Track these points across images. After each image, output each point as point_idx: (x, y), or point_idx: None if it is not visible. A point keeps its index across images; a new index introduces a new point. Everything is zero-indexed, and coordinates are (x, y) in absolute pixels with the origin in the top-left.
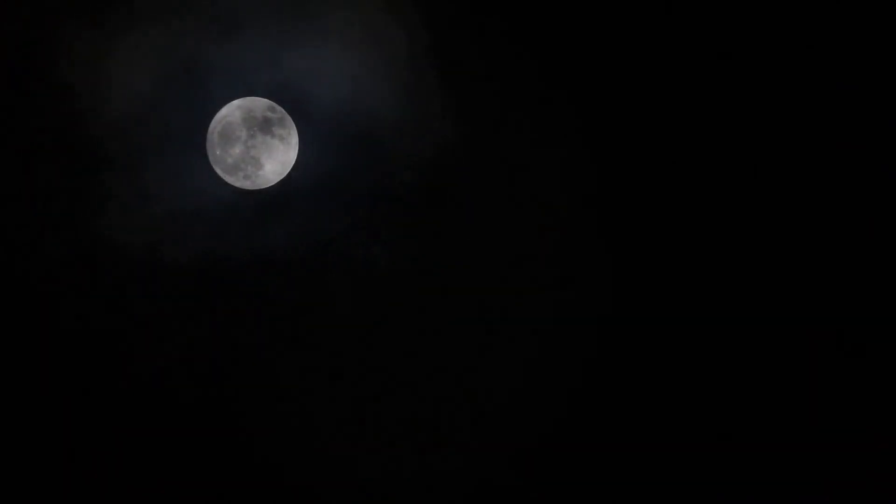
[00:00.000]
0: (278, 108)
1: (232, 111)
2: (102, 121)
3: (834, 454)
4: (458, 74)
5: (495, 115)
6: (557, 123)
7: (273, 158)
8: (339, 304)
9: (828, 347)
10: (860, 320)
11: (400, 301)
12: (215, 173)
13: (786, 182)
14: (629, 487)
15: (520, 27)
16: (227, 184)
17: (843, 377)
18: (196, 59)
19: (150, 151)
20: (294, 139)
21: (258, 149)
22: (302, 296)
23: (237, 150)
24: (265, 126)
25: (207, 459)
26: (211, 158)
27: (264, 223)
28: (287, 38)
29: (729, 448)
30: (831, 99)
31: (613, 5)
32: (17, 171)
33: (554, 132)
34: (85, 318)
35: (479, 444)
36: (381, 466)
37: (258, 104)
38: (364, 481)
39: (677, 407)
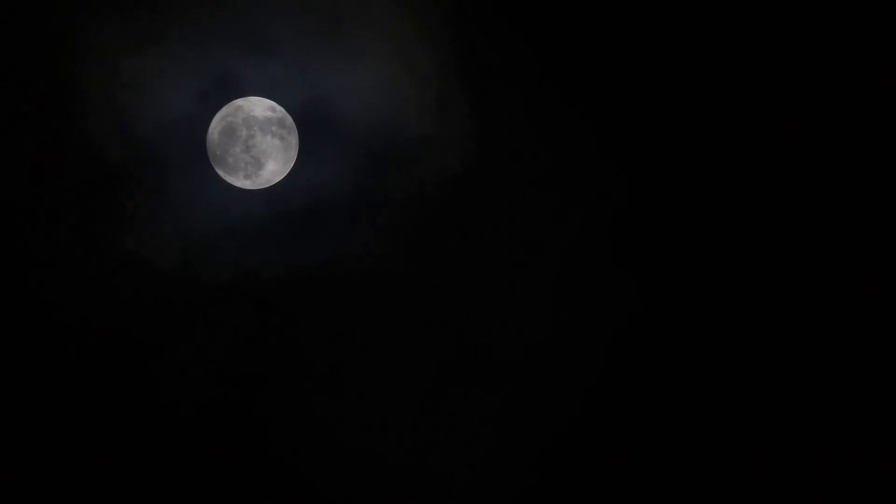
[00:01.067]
0: (278, 107)
1: (232, 111)
2: (132, 138)
3: (845, 464)
4: (480, 89)
5: (516, 129)
6: (581, 143)
7: (274, 158)
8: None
9: (849, 367)
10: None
11: (409, 306)
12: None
13: (814, 195)
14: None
15: (543, 46)
16: (229, 184)
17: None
18: (230, 77)
19: (179, 168)
20: (294, 139)
21: (258, 148)
22: (329, 307)
23: (237, 149)
24: (265, 126)
25: (239, 473)
26: (211, 158)
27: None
28: (313, 52)
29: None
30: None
31: (640, 26)
32: (47, 193)
33: (577, 151)
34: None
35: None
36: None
37: (258, 104)
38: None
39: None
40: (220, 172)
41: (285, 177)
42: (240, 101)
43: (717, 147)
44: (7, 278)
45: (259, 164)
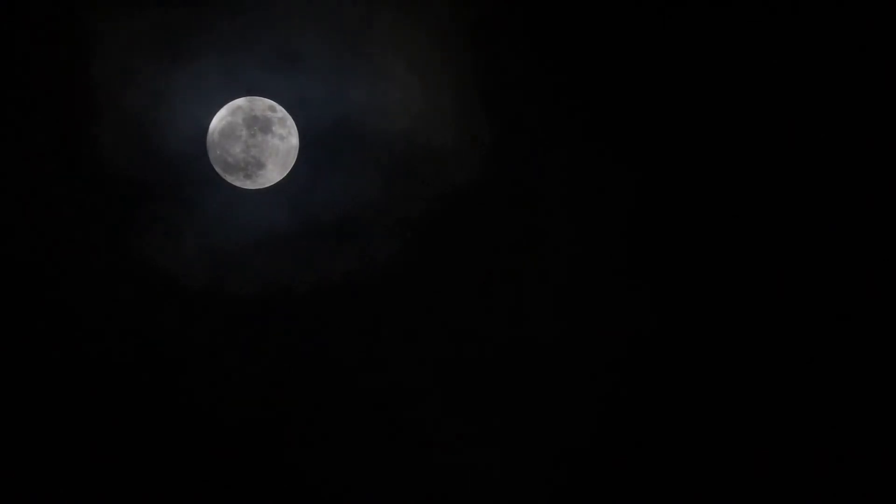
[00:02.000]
0: (279, 107)
1: (233, 111)
2: (160, 154)
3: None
4: (499, 100)
5: (532, 140)
6: (598, 153)
7: (274, 158)
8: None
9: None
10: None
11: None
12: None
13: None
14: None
15: (562, 57)
16: (229, 184)
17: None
18: (258, 91)
19: (206, 182)
20: (294, 139)
21: (259, 148)
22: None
23: (237, 149)
24: (266, 126)
25: (271, 487)
26: (211, 158)
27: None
28: (337, 67)
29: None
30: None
31: (659, 42)
32: (75, 212)
33: (593, 161)
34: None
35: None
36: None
37: (259, 104)
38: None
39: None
40: (220, 172)
41: (286, 178)
42: (240, 101)
43: (732, 155)
44: (34, 297)
45: (259, 164)
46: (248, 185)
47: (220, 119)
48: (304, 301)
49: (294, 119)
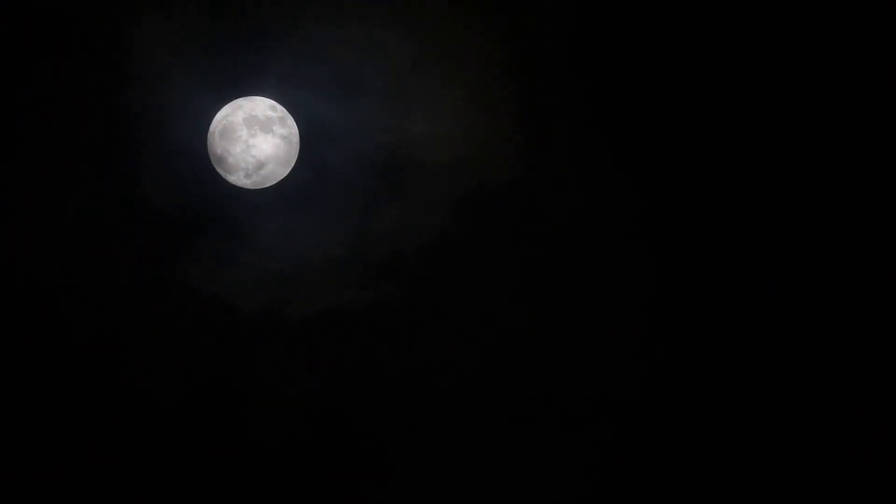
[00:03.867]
0: (279, 107)
1: (233, 110)
2: (209, 184)
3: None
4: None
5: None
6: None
7: (274, 157)
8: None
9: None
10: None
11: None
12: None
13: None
14: None
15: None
16: (231, 184)
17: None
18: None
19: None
20: (295, 138)
21: (259, 148)
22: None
23: (237, 149)
24: (266, 125)
25: None
26: (212, 158)
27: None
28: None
29: None
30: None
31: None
32: (125, 237)
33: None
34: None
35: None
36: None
37: (260, 103)
38: None
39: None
40: (221, 172)
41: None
42: (240, 101)
43: (777, 176)
44: (89, 331)
45: (260, 164)
46: (248, 184)
47: (219, 119)
48: (354, 318)
49: (295, 119)
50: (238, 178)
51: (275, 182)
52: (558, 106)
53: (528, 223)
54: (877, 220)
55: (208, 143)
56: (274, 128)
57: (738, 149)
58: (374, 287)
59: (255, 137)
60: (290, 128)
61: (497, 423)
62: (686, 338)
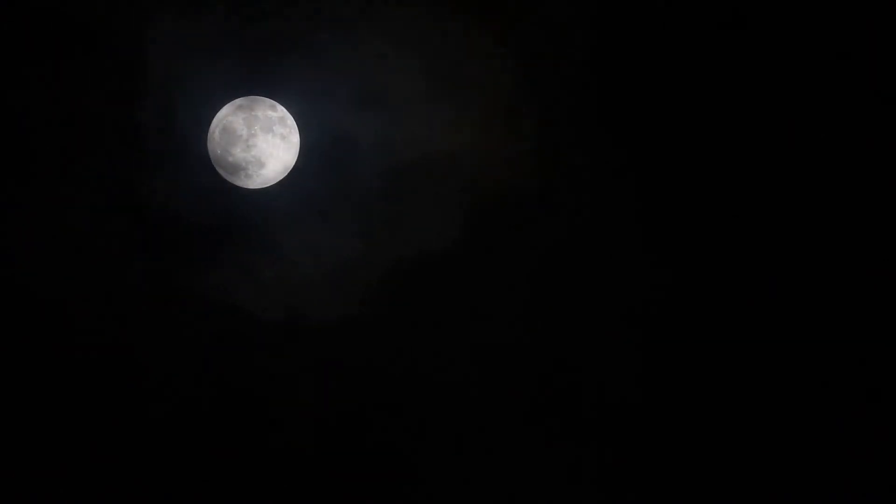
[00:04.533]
0: (279, 106)
1: (233, 110)
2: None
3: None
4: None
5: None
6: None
7: (274, 157)
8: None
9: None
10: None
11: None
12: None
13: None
14: None
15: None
16: (231, 184)
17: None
18: (341, 136)
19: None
20: (295, 138)
21: (259, 148)
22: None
23: (238, 149)
24: (266, 125)
25: None
26: (212, 158)
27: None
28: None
29: None
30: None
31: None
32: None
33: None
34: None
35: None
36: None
37: (259, 103)
38: None
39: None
40: (222, 173)
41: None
42: (240, 101)
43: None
44: (110, 341)
45: (260, 164)
46: (248, 184)
47: (219, 118)
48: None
49: (294, 118)
50: (239, 179)
51: (275, 182)
52: (568, 117)
53: (537, 230)
54: (878, 220)
55: (208, 143)
56: (274, 128)
57: (751, 157)
58: (379, 297)
59: (256, 137)
60: (291, 128)
61: (512, 425)
62: (691, 339)
